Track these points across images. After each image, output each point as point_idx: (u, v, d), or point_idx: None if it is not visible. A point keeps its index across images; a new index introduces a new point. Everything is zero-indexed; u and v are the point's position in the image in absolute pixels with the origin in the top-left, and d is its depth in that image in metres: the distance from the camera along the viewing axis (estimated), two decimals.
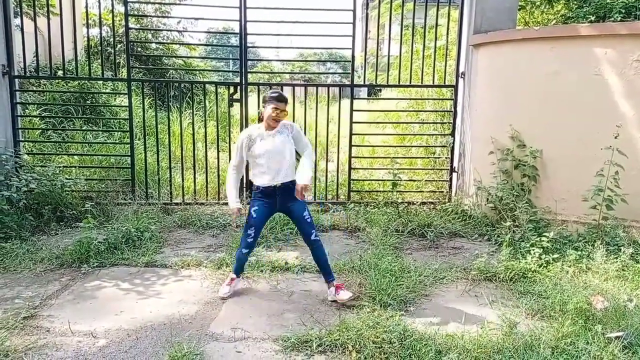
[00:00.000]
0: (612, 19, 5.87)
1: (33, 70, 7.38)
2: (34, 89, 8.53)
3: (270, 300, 3.93)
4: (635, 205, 4.73)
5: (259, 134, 3.83)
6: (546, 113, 5.25)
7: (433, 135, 7.62)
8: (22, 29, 6.60)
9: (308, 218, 3.90)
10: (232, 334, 3.36)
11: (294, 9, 6.17)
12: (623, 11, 5.91)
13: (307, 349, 3.16)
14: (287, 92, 6.38)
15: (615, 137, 4.60)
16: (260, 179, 3.83)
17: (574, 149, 5.09)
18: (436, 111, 7.81)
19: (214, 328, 3.46)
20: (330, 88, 7.09)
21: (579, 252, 4.48)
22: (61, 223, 5.57)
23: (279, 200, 3.86)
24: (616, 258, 4.29)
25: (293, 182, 3.83)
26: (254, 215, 3.85)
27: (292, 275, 4.41)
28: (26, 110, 7.58)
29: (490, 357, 3.00)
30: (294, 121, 6.19)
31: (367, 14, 6.97)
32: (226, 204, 6.37)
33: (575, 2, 6.95)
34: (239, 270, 4.09)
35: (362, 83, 6.99)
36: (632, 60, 4.74)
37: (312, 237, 3.89)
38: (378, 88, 11.37)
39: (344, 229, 5.69)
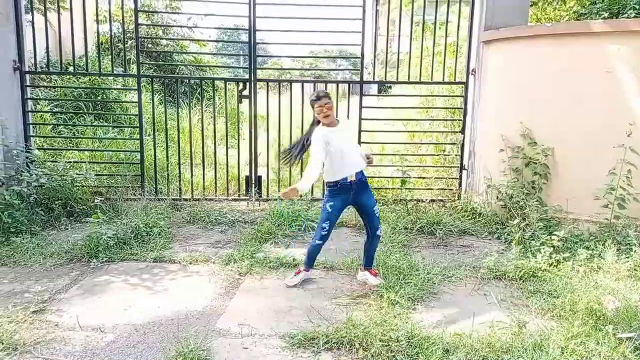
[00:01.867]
0: (626, 15, 5.79)
1: (44, 66, 7.43)
2: (45, 84, 8.60)
3: (277, 296, 3.93)
4: None
5: (329, 130, 3.87)
6: (557, 110, 5.19)
7: (443, 132, 7.57)
8: (33, 25, 6.64)
9: (377, 212, 4.07)
10: (239, 330, 3.36)
11: (303, 5, 6.15)
12: (637, 7, 5.84)
13: (313, 346, 3.15)
14: (296, 88, 6.41)
15: (628, 135, 4.55)
16: (340, 174, 3.87)
17: (585, 147, 5.03)
18: (446, 108, 7.76)
19: (221, 324, 3.46)
20: (339, 85, 7.06)
21: (590, 252, 4.43)
22: (71, 218, 5.61)
23: (353, 194, 3.95)
24: (628, 258, 4.24)
25: (363, 173, 3.98)
26: (329, 210, 3.92)
27: None
28: (37, 106, 7.63)
29: (498, 356, 2.98)
30: (302, 118, 6.21)
31: (376, 10, 6.91)
32: (235, 200, 6.44)
33: None
34: (310, 265, 4.15)
35: (371, 80, 6.95)
36: None
37: (378, 232, 4.07)
38: (388, 85, 11.32)
39: (352, 226, 5.67)
